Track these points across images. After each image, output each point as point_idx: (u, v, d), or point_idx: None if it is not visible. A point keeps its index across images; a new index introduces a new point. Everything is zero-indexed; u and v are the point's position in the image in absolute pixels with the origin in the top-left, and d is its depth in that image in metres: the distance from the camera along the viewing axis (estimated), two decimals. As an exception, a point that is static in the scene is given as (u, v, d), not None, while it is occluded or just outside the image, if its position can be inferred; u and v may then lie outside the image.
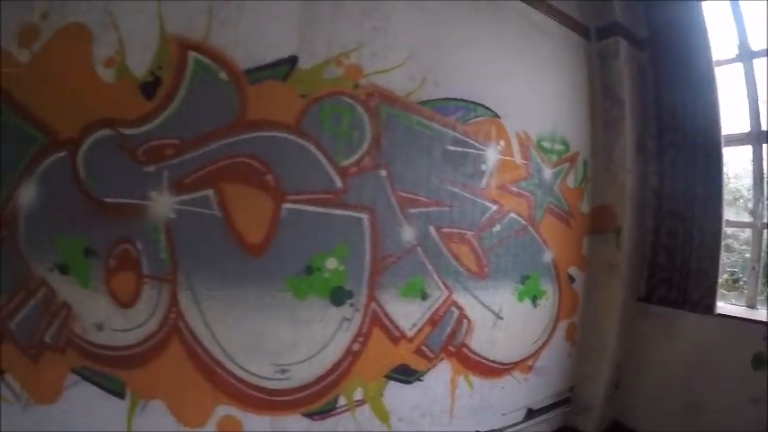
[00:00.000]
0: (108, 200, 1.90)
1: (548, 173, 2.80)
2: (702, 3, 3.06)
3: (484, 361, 2.58)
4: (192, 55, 1.99)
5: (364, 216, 2.16)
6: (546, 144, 2.81)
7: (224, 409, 2.08)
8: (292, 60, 2.08)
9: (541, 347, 2.83)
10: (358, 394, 2.26)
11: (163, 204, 1.92)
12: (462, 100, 2.44)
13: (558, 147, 2.88)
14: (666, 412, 2.93)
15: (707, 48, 3.00)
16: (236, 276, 1.99)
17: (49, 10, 1.99)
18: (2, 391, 2.00)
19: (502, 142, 2.56)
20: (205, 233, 1.95)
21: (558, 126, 2.90)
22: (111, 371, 2.00)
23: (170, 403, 2.04)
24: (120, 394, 2.01)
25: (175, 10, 2.02)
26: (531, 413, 2.85)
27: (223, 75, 1.99)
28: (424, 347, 2.37)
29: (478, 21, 2.58)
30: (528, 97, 2.77)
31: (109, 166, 1.91)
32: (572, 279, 2.96)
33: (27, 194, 1.91)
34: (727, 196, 3.05)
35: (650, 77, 3.28)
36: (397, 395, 2.35)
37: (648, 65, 3.30)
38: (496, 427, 2.70)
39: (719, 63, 3.02)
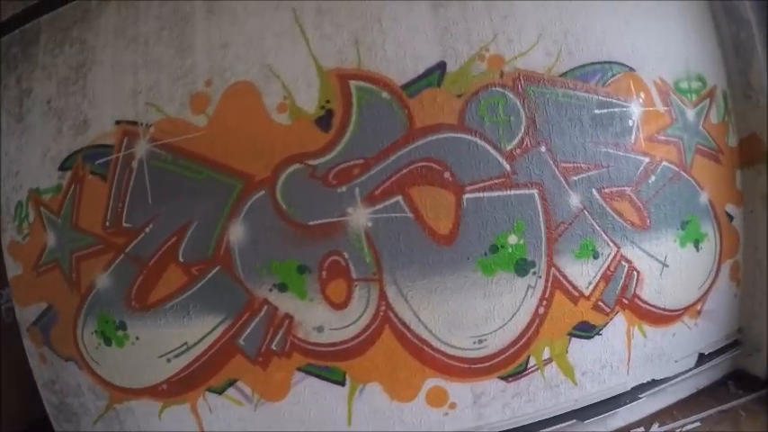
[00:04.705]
0: (311, 222, 2.25)
1: (690, 114, 2.71)
2: None
3: (654, 309, 2.63)
4: (353, 83, 2.24)
5: (534, 192, 2.32)
6: (683, 85, 2.72)
7: (432, 382, 2.39)
8: (441, 66, 2.27)
9: (707, 291, 2.79)
10: (545, 354, 2.47)
11: (360, 216, 2.23)
12: (597, 63, 2.47)
13: (696, 84, 2.77)
14: None
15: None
16: (432, 266, 2.26)
17: (211, 77, 2.35)
18: (235, 395, 2.46)
19: (642, 94, 2.55)
20: (401, 234, 2.24)
21: (691, 63, 2.78)
22: (332, 363, 2.35)
23: (384, 383, 2.37)
24: (341, 382, 2.36)
25: (324, 48, 2.29)
26: (702, 358, 2.83)
27: (385, 94, 2.24)
28: (600, 303, 2.50)
29: (595, -22, 2.56)
30: (655, 41, 2.67)
31: (305, 194, 2.25)
32: (730, 217, 2.86)
33: (237, 233, 2.31)
34: None
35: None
36: (579, 350, 2.52)
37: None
38: (670, 375, 2.75)
39: None
